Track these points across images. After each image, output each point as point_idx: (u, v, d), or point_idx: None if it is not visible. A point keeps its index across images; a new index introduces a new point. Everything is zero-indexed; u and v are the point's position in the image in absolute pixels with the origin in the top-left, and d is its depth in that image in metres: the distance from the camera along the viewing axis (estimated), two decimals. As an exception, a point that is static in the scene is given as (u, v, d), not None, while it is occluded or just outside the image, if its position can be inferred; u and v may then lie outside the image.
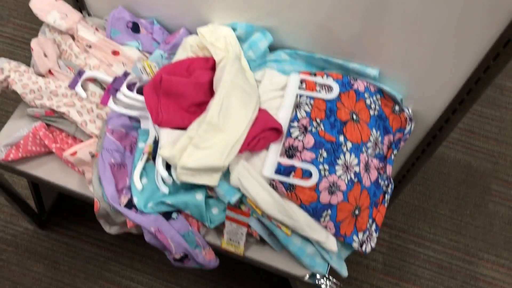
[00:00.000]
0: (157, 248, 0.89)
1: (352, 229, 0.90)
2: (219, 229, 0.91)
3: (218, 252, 0.93)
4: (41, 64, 0.97)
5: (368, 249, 0.93)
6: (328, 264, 0.91)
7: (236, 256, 0.92)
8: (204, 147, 0.82)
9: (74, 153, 0.90)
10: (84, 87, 0.95)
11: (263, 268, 0.94)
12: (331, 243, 0.87)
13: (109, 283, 1.35)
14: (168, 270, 1.37)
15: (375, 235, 0.94)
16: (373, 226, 0.94)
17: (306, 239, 0.88)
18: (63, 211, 1.44)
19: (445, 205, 1.54)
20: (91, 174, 0.90)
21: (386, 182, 0.98)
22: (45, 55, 0.98)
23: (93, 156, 0.91)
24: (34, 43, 0.99)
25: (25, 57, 1.14)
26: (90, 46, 1.00)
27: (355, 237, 0.91)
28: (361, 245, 0.92)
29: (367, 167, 0.93)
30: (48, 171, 0.95)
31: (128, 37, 1.03)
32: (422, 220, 1.51)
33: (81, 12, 1.11)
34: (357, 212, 0.90)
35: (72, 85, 0.94)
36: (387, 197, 0.98)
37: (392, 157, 1.01)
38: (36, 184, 1.30)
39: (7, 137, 0.95)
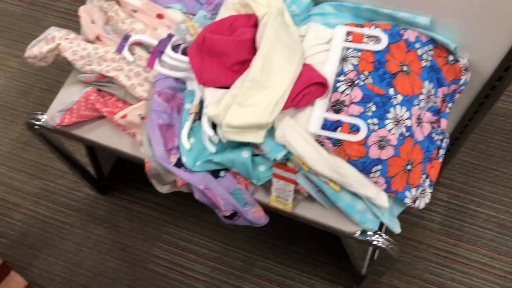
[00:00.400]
0: (208, 206, 0.90)
1: (404, 185, 0.88)
2: (267, 187, 0.91)
3: (268, 210, 0.93)
4: (89, 30, 0.99)
5: (422, 205, 0.90)
6: (380, 220, 0.89)
7: (285, 213, 0.92)
8: (248, 104, 0.82)
9: (124, 116, 0.93)
10: (131, 51, 0.96)
11: (313, 226, 0.94)
12: (382, 199, 0.85)
13: (167, 244, 1.40)
14: (223, 232, 1.40)
15: (429, 190, 0.91)
16: (427, 182, 0.91)
17: (356, 195, 0.87)
18: (121, 177, 1.50)
19: (508, 164, 1.46)
20: (141, 135, 0.92)
21: (440, 137, 0.94)
22: (93, 22, 1.00)
23: (142, 118, 0.93)
24: (81, 11, 1.01)
25: (78, 30, 1.18)
26: (135, 11, 1.01)
27: (407, 193, 0.88)
28: (414, 201, 0.89)
29: (419, 121, 0.90)
30: (101, 135, 0.99)
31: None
32: (482, 179, 1.44)
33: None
34: (409, 167, 0.87)
35: (119, 50, 0.95)
36: (442, 152, 0.94)
37: (447, 110, 0.96)
38: (94, 152, 1.36)
39: (61, 103, 0.98)
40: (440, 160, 0.94)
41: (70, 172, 1.49)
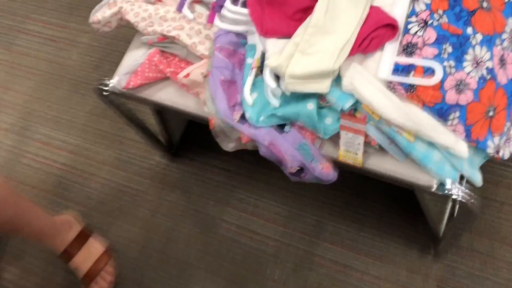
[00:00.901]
0: (274, 162, 0.88)
1: (485, 133, 0.80)
2: (334, 141, 0.87)
3: (337, 165, 0.89)
4: (150, -8, 0.99)
5: (507, 155, 0.82)
6: (459, 172, 0.82)
7: (355, 169, 0.88)
8: (311, 52, 0.78)
9: (187, 75, 0.92)
10: (191, 10, 0.95)
11: (386, 185, 0.88)
12: (461, 148, 0.78)
13: (236, 209, 1.40)
14: (291, 196, 1.38)
15: (515, 139, 0.83)
16: (512, 130, 0.83)
17: (432, 145, 0.80)
18: (191, 143, 1.52)
19: None
20: (205, 94, 0.91)
21: (527, 80, 0.85)
22: (153, -17, 1.00)
23: (205, 76, 0.92)
24: (141, -27, 1.00)
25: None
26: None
27: (489, 142, 0.80)
28: (497, 151, 0.81)
29: (502, 62, 0.81)
30: (167, 96, 0.99)
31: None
32: None
33: None
34: (491, 113, 0.79)
35: (179, 8, 0.94)
36: (530, 96, 0.85)
37: (535, 51, 0.86)
38: (163, 119, 1.37)
39: (127, 67, 0.99)
40: (528, 106, 0.85)
41: (142, 140, 1.53)
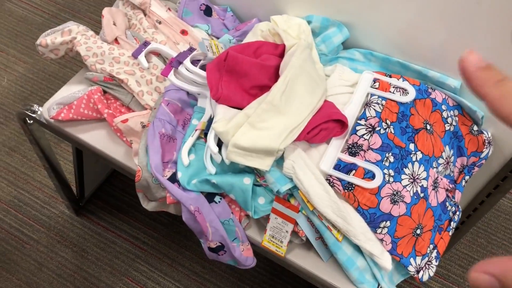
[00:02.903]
0: (194, 232, 0.81)
1: (410, 250, 0.80)
2: (261, 225, 0.83)
3: (256, 253, 0.84)
4: (109, 31, 0.95)
5: (426, 277, 0.82)
6: (379, 284, 0.80)
7: (276, 258, 0.83)
8: (260, 127, 0.76)
9: (125, 121, 0.86)
10: (147, 59, 0.92)
11: (303, 278, 0.84)
12: (386, 260, 0.77)
13: (134, 282, 1.28)
14: (197, 280, 1.29)
15: (434, 263, 0.83)
16: (434, 253, 0.83)
17: (358, 250, 0.78)
18: (102, 201, 1.40)
19: (508, 265, 1.37)
20: (138, 144, 0.85)
21: (453, 208, 0.88)
22: (114, 24, 0.97)
23: (144, 127, 0.86)
24: (105, 11, 0.98)
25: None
26: (159, 22, 0.98)
27: (412, 260, 0.80)
28: (417, 271, 0.81)
29: (435, 185, 0.84)
30: (96, 138, 0.91)
31: (199, 19, 1.00)
32: (480, 276, 1.35)
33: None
34: (418, 231, 0.80)
35: (136, 54, 0.91)
36: (453, 224, 0.87)
37: (463, 183, 0.90)
38: (81, 166, 1.27)
39: (62, 98, 0.92)
40: (450, 233, 0.87)
41: (50, 185, 1.40)
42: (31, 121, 0.97)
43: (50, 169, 1.16)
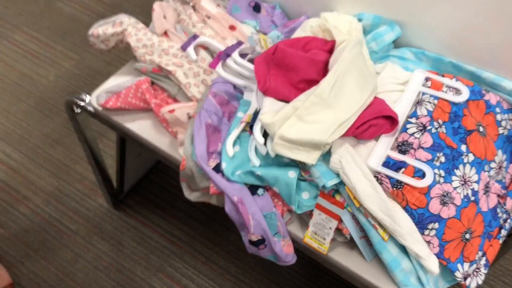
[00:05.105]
0: (235, 224, 0.80)
1: (458, 255, 0.77)
2: (303, 221, 0.82)
3: (297, 249, 0.83)
4: (159, 24, 0.97)
5: (474, 285, 0.78)
6: (423, 288, 0.77)
7: (317, 255, 0.81)
8: (308, 120, 0.75)
9: (172, 111, 0.87)
10: (195, 53, 0.93)
11: (344, 278, 0.82)
12: (433, 263, 0.74)
13: (168, 278, 1.28)
14: (231, 280, 1.28)
15: (483, 271, 0.80)
16: (483, 260, 0.80)
17: (403, 251, 0.76)
18: (140, 196, 1.41)
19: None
20: (184, 135, 0.85)
21: (504, 216, 0.84)
22: (165, 18, 0.98)
23: (190, 117, 0.87)
24: (156, 5, 0.99)
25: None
26: (209, 17, 0.99)
27: (459, 266, 0.77)
28: (465, 278, 0.77)
29: (487, 189, 0.80)
30: (142, 127, 0.92)
31: (247, 15, 1.01)
32: (524, 295, 1.30)
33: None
34: (467, 236, 0.77)
35: (184, 46, 0.92)
36: (504, 233, 0.83)
37: (515, 190, 0.87)
38: (123, 162, 1.29)
39: (111, 86, 0.94)
40: (500, 241, 0.83)
41: (91, 178, 1.42)
42: (79, 110, 0.99)
43: (92, 161, 1.18)
